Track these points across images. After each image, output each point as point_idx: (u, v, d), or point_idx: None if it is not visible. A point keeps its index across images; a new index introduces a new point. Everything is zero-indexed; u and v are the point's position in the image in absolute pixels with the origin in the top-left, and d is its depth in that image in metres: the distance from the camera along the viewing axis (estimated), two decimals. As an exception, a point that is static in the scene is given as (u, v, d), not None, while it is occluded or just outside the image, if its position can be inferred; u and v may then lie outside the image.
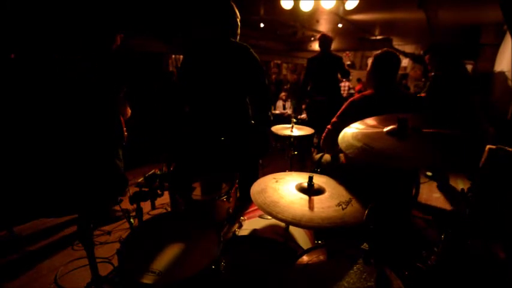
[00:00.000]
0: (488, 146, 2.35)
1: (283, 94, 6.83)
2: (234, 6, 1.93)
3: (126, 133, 2.44)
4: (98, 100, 2.23)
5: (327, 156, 2.25)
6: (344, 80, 6.11)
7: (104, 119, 2.28)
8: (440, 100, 3.16)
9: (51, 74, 2.24)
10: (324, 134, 1.98)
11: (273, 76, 8.99)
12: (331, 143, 1.90)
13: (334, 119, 1.92)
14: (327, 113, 3.30)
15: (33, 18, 2.58)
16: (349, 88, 7.53)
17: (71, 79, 2.19)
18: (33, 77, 2.43)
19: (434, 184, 3.48)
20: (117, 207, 2.65)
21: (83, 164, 2.16)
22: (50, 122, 2.25)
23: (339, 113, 1.92)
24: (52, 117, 2.24)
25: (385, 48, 1.88)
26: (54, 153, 2.18)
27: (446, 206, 2.92)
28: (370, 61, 1.93)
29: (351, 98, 1.94)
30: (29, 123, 2.37)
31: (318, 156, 2.37)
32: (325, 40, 3.67)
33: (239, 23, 1.98)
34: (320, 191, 1.24)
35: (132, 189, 1.52)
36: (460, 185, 3.46)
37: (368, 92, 1.89)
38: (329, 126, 1.93)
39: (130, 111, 2.53)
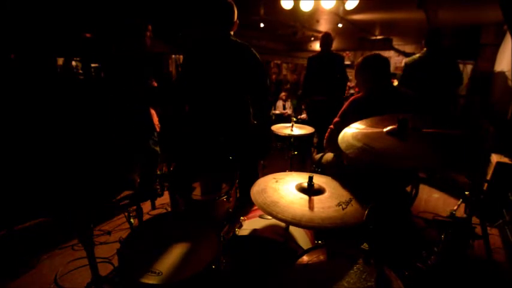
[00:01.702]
0: (496, 160, 2.36)
1: (283, 94, 6.82)
2: (234, 5, 1.93)
3: (158, 123, 2.74)
4: (98, 103, 2.26)
5: (327, 156, 2.25)
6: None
7: (109, 120, 2.32)
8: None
9: (52, 74, 2.25)
10: (326, 135, 1.98)
11: (274, 76, 8.99)
12: (334, 143, 1.92)
13: (336, 119, 1.92)
14: (327, 112, 3.30)
15: (33, 19, 2.58)
16: (349, 88, 7.53)
17: (72, 80, 2.21)
18: (32, 77, 2.44)
19: (434, 184, 3.48)
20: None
21: (82, 164, 2.16)
22: (49, 122, 2.26)
23: (340, 112, 1.92)
24: (51, 118, 2.25)
25: (369, 53, 1.89)
26: (54, 153, 2.19)
27: (446, 207, 2.92)
28: (355, 66, 1.92)
29: (352, 97, 1.94)
30: (29, 123, 2.38)
31: (318, 156, 2.37)
32: (328, 39, 3.62)
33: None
34: (320, 191, 1.24)
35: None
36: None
37: (365, 91, 1.89)
38: (331, 126, 1.93)
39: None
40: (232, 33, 1.97)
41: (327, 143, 1.99)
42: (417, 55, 3.34)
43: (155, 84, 2.66)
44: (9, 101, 2.43)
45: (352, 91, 7.48)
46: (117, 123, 2.42)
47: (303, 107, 6.37)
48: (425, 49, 3.26)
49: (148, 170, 2.63)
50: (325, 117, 2.91)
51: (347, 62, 8.08)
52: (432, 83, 3.17)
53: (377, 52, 1.92)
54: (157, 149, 2.74)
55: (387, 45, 7.61)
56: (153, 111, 2.66)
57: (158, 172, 1.60)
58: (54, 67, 3.17)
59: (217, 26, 1.92)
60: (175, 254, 1.10)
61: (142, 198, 2.53)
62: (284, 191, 1.23)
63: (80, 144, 2.24)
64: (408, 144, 1.04)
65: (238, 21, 1.97)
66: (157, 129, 2.72)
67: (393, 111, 1.29)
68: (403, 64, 3.62)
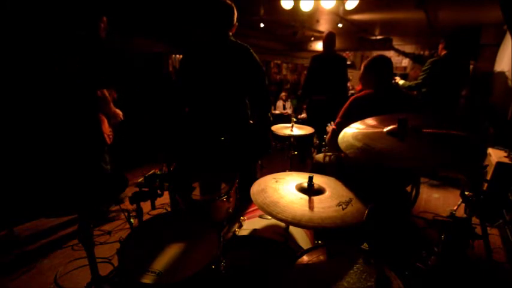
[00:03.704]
0: (497, 160, 2.37)
1: (283, 94, 6.82)
2: (234, 8, 1.94)
3: (111, 135, 2.40)
4: (78, 100, 2.19)
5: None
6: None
7: (82, 120, 2.23)
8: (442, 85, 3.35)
9: (52, 74, 2.24)
10: (328, 136, 1.98)
11: (277, 76, 9.00)
12: (336, 144, 1.93)
13: (338, 120, 1.92)
14: (327, 112, 3.31)
15: (33, 19, 2.58)
16: (351, 88, 7.53)
17: (56, 80, 2.17)
18: (32, 77, 2.43)
19: (434, 184, 3.48)
20: (113, 208, 2.66)
21: (82, 163, 2.16)
22: (47, 122, 2.26)
23: (341, 112, 1.92)
24: (50, 118, 2.25)
25: (368, 53, 1.93)
26: (53, 153, 2.18)
27: (446, 206, 2.92)
28: (362, 65, 1.97)
29: (353, 96, 1.94)
30: (28, 124, 2.38)
31: (318, 156, 2.37)
32: (333, 39, 3.61)
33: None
34: (320, 191, 1.24)
35: (132, 189, 1.52)
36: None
37: (370, 90, 1.90)
38: (334, 127, 1.93)
39: (120, 112, 2.50)
40: (231, 34, 1.97)
41: (329, 144, 1.99)
42: (440, 56, 3.48)
43: (105, 92, 2.36)
44: (9, 101, 2.43)
45: (353, 91, 7.48)
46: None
47: (303, 107, 6.34)
48: (445, 51, 3.41)
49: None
50: (326, 116, 2.91)
51: (347, 62, 8.06)
52: (451, 83, 3.38)
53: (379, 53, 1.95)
54: (108, 168, 2.42)
55: (387, 45, 7.61)
56: (103, 118, 2.34)
57: (158, 172, 1.59)
58: (54, 67, 3.16)
59: (217, 27, 1.92)
60: (175, 254, 1.10)
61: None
62: (284, 191, 1.23)
63: (81, 144, 2.23)
64: (408, 144, 1.04)
65: (237, 24, 1.97)
66: (108, 141, 2.39)
67: (396, 111, 1.29)
68: (403, 64, 3.70)
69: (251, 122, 2.13)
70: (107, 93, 2.33)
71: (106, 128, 2.36)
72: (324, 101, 3.67)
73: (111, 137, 2.42)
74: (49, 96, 2.25)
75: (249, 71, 1.95)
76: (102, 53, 2.26)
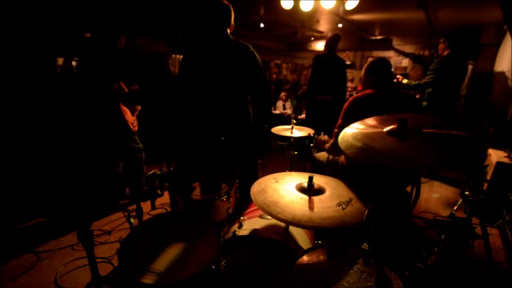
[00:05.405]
0: (497, 160, 2.38)
1: (283, 94, 6.82)
2: (231, 8, 1.95)
3: (136, 122, 2.71)
4: (92, 102, 2.27)
5: (325, 156, 2.25)
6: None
7: (100, 120, 2.33)
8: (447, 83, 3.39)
9: (49, 75, 2.26)
10: (332, 139, 1.97)
11: (274, 76, 9.00)
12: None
13: (339, 122, 1.92)
14: (330, 112, 3.31)
15: (33, 19, 2.58)
16: (352, 89, 7.53)
17: (67, 80, 2.23)
18: (31, 76, 2.44)
19: (435, 184, 3.48)
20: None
21: (82, 165, 2.16)
22: (49, 123, 2.27)
23: (342, 114, 1.92)
24: (51, 118, 2.25)
25: (376, 56, 1.95)
26: (54, 155, 2.19)
27: (446, 207, 2.92)
28: (363, 69, 2.00)
29: (352, 97, 1.94)
30: (29, 123, 2.38)
31: (318, 154, 2.37)
32: (337, 40, 3.66)
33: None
34: (320, 191, 1.24)
35: (132, 189, 1.52)
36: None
37: (370, 90, 1.90)
38: (336, 130, 1.93)
39: (139, 106, 2.77)
40: (229, 32, 1.98)
41: (333, 148, 1.99)
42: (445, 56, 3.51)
43: (124, 88, 2.60)
44: (10, 101, 2.43)
45: (353, 92, 7.48)
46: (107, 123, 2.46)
47: (302, 107, 6.34)
48: (448, 51, 3.43)
49: (134, 170, 2.62)
50: (328, 117, 2.91)
51: (347, 62, 8.07)
52: (454, 83, 3.45)
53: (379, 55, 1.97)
54: (139, 146, 2.73)
55: (387, 45, 7.61)
56: (125, 109, 2.61)
57: (158, 172, 1.60)
58: (54, 67, 3.16)
59: (215, 27, 1.93)
60: (175, 254, 1.10)
61: (141, 198, 2.52)
62: (284, 191, 1.23)
63: (80, 145, 2.24)
64: (408, 144, 1.04)
65: (234, 24, 1.98)
66: (134, 128, 2.67)
67: (396, 111, 1.29)
68: (403, 64, 3.72)
69: (253, 121, 2.13)
70: (123, 86, 2.56)
71: (129, 117, 2.63)
72: (330, 100, 3.69)
73: (135, 124, 2.70)
74: (47, 98, 2.27)
75: (249, 69, 1.95)
76: (114, 54, 2.50)
